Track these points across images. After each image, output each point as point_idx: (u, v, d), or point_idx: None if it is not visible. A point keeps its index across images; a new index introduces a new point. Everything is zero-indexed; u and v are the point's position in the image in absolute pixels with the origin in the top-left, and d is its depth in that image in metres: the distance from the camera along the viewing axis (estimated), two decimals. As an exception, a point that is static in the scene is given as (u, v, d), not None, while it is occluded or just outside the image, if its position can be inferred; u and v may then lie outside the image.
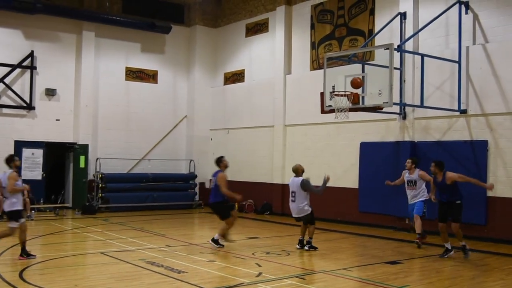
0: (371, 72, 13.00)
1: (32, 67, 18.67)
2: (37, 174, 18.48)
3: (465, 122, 13.56)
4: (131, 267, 9.32)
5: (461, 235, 10.61)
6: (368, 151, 15.71)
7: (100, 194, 18.92)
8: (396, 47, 12.54)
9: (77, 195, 19.00)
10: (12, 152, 18.04)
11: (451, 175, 10.59)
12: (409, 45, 14.39)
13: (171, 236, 13.30)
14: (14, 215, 9.82)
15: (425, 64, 13.25)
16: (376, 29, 15.61)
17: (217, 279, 8.50)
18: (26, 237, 10.04)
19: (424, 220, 12.74)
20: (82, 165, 19.07)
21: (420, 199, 12.23)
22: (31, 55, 18.66)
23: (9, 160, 10.23)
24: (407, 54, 14.21)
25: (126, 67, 20.89)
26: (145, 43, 21.29)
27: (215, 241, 11.47)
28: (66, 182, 19.65)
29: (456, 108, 13.49)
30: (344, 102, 12.36)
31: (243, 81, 20.91)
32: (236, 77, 21.30)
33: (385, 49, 12.05)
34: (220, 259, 10.19)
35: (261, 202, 19.13)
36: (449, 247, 10.74)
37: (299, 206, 11.23)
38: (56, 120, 19.22)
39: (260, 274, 8.84)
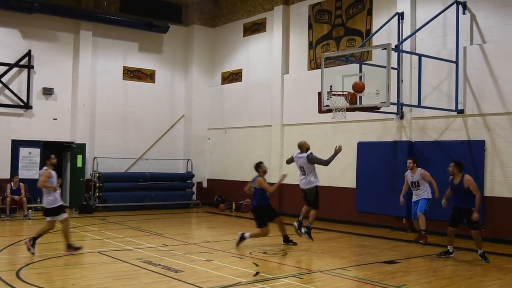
0: (369, 72, 13.02)
1: (29, 66, 18.64)
2: (34, 173, 18.43)
3: (463, 122, 13.58)
4: (128, 267, 9.31)
5: (481, 242, 10.27)
6: (366, 151, 15.72)
7: (97, 194, 18.90)
8: (393, 47, 12.56)
9: (74, 194, 19.00)
10: (9, 152, 18.11)
11: (469, 178, 10.20)
12: (406, 45, 14.42)
13: (169, 235, 13.30)
14: (55, 211, 10.35)
15: (422, 64, 13.29)
16: (374, 29, 15.61)
17: (214, 278, 8.49)
18: (69, 231, 10.56)
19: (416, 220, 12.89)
20: (79, 164, 19.07)
21: (423, 197, 12.41)
22: (28, 54, 18.63)
23: (46, 157, 10.72)
24: (404, 54, 14.23)
25: (124, 67, 20.87)
26: (142, 43, 21.27)
27: (242, 237, 11.57)
28: (64, 182, 19.60)
29: (454, 108, 13.52)
30: (342, 102, 12.37)
31: (241, 81, 20.91)
32: (233, 76, 21.30)
33: (382, 49, 12.06)
34: (218, 258, 10.18)
35: (259, 201, 19.08)
36: (451, 250, 10.60)
37: (307, 178, 11.62)
38: (54, 119, 19.21)
39: (257, 273, 8.84)
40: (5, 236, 13.13)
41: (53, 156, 10.63)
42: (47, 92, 18.98)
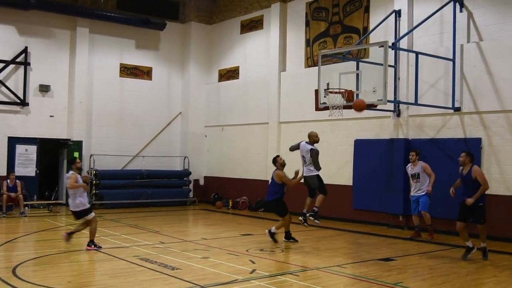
0: (366, 70, 13.01)
1: (26, 63, 18.58)
2: (30, 170, 18.46)
3: (459, 119, 13.60)
4: (125, 264, 9.30)
5: (485, 236, 10.16)
6: (362, 148, 15.73)
7: (94, 191, 18.84)
8: (390, 44, 12.56)
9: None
10: (6, 149, 18.07)
11: (477, 169, 10.15)
12: (403, 43, 14.42)
13: (165, 233, 13.29)
14: (84, 213, 10.71)
15: (419, 62, 13.29)
16: (371, 27, 15.62)
17: (211, 275, 8.49)
18: (96, 230, 10.86)
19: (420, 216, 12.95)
20: (76, 161, 19.00)
21: (424, 194, 12.53)
22: (25, 51, 18.58)
23: (71, 162, 11.12)
24: (401, 52, 14.25)
25: (121, 64, 20.83)
26: (139, 40, 21.23)
27: (271, 234, 11.79)
28: (60, 179, 19.58)
29: (450, 106, 13.53)
30: (339, 100, 12.37)
31: (238, 78, 20.89)
32: (230, 74, 21.28)
33: (379, 47, 12.05)
34: (214, 256, 10.18)
35: (255, 199, 19.12)
36: (471, 246, 10.25)
37: (307, 167, 11.82)
38: (50, 116, 19.15)
39: (254, 271, 8.85)
40: (2, 234, 13.09)
41: (78, 160, 11.18)
42: (44, 89, 18.92)
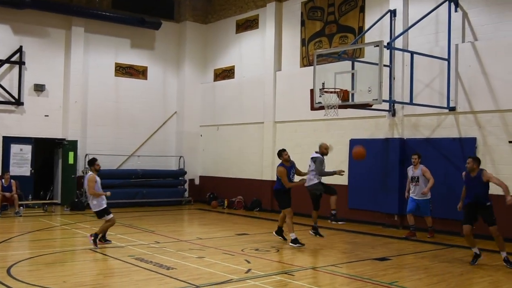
0: (361, 69, 13.02)
1: (20, 63, 18.52)
2: (25, 170, 18.40)
3: (454, 119, 13.63)
4: (120, 264, 9.29)
5: (503, 241, 9.68)
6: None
7: (89, 191, 18.79)
8: (386, 44, 12.56)
9: (66, 191, 18.90)
10: (0, 148, 18.00)
11: (488, 173, 9.89)
12: (398, 43, 14.44)
13: (160, 232, 13.27)
14: (102, 212, 11.02)
15: (414, 61, 13.32)
16: (366, 27, 15.63)
17: (206, 275, 8.49)
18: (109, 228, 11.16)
19: (419, 217, 12.97)
20: (71, 161, 18.99)
21: (423, 199, 12.58)
22: (19, 50, 18.52)
23: (90, 163, 11.32)
24: (396, 52, 14.26)
25: (116, 63, 20.79)
26: (135, 39, 21.20)
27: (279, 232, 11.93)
28: (55, 178, 19.55)
29: (445, 105, 13.57)
30: (334, 99, 12.38)
31: (233, 78, 20.88)
32: (226, 73, 21.27)
33: (375, 46, 12.07)
34: (209, 255, 10.18)
35: (251, 198, 19.13)
36: (478, 252, 9.83)
37: (309, 177, 11.83)
38: (45, 116, 19.09)
39: (249, 270, 8.85)
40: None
41: (97, 162, 11.21)
42: (39, 88, 18.87)
